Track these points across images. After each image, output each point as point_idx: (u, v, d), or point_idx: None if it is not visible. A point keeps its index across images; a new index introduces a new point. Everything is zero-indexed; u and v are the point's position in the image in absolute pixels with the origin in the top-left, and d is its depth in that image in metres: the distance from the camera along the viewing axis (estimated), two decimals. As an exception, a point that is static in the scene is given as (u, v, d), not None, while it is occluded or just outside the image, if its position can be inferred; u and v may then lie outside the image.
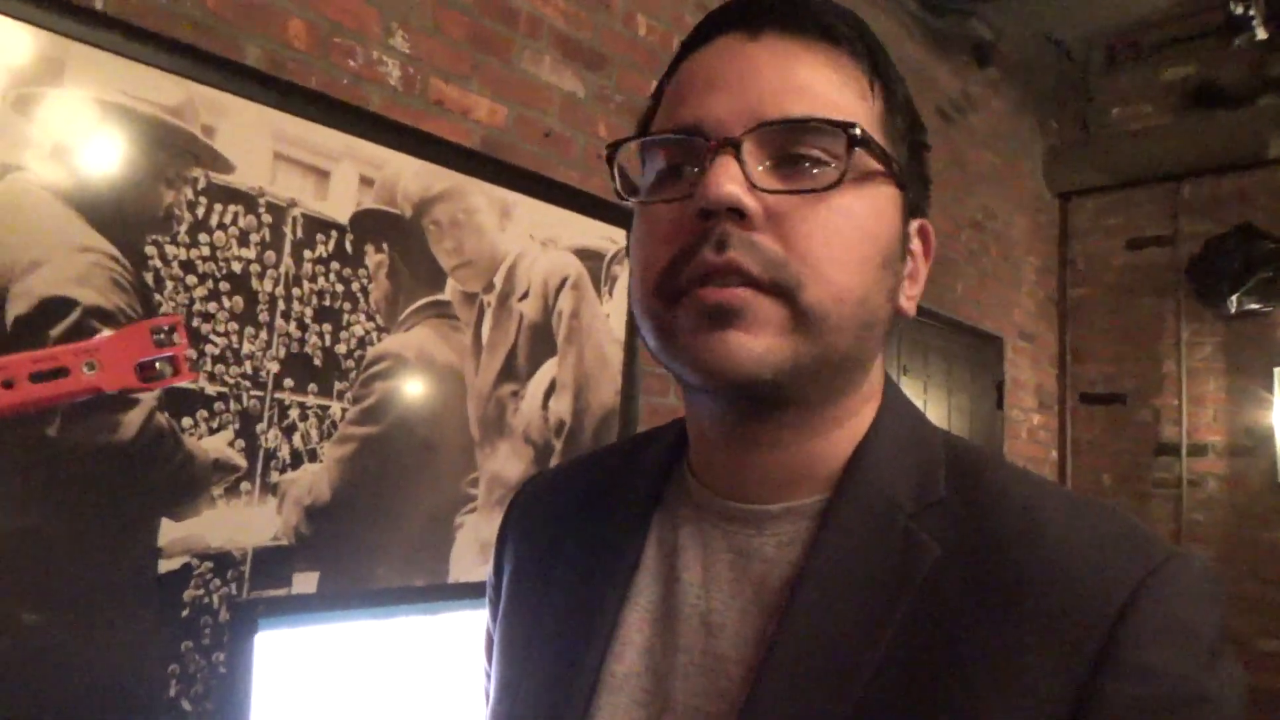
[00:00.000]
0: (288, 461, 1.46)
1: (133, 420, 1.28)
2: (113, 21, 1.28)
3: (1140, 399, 3.99)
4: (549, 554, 0.65)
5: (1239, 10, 3.26)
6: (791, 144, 0.50)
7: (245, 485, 1.41)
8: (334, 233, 1.54)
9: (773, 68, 0.51)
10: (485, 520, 1.75)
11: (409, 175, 1.65)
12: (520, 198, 1.85)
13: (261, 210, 1.44)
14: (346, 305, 1.55)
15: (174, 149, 1.34)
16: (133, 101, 1.30)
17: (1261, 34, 3.32)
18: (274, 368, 1.45)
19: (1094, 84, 4.09)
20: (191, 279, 1.35)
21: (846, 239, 0.50)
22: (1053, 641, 0.46)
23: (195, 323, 1.36)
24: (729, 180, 0.48)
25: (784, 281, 0.49)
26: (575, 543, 0.63)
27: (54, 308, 1.21)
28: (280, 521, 1.45)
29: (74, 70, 1.24)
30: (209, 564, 1.36)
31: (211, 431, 1.37)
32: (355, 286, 1.57)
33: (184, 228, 1.35)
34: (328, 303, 1.53)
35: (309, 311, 1.50)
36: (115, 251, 1.27)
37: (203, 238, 1.37)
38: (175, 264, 1.34)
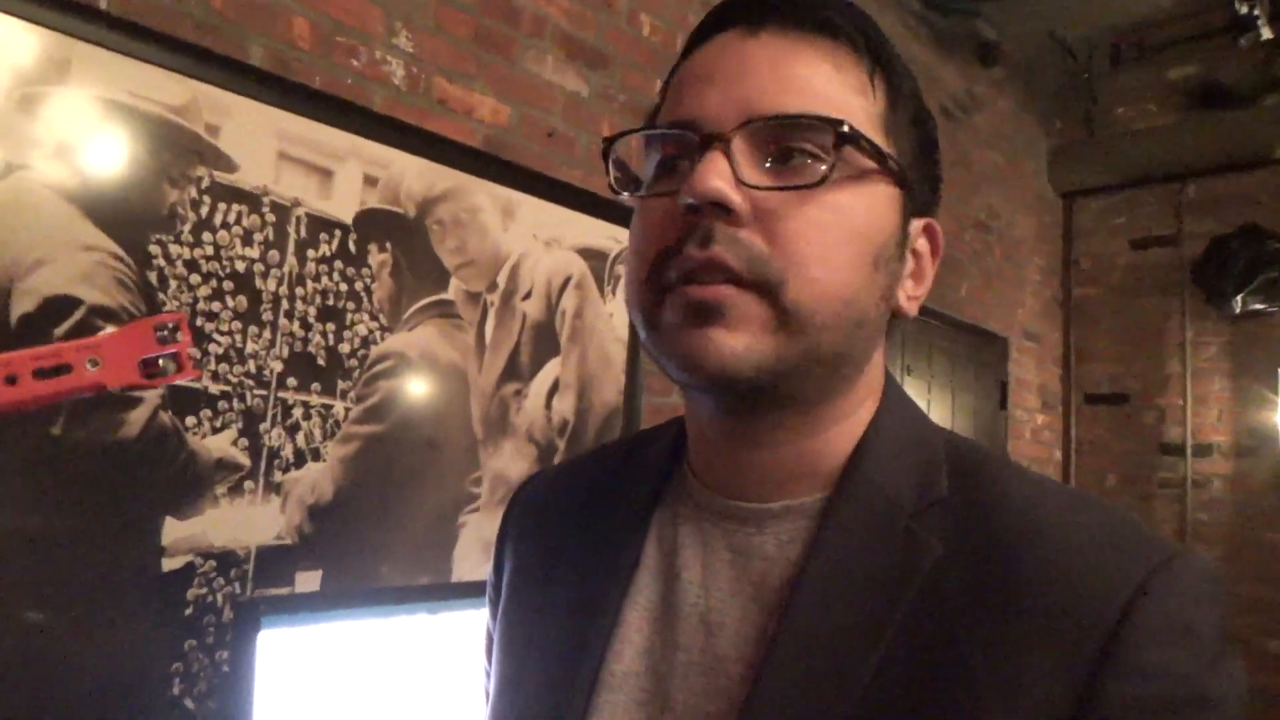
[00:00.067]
0: (291, 460, 1.47)
1: (136, 419, 1.28)
2: (117, 21, 1.28)
3: (1145, 399, 3.98)
4: (549, 553, 0.65)
5: (1244, 9, 3.25)
6: (783, 140, 0.50)
7: (249, 484, 1.41)
8: (337, 232, 1.54)
9: (769, 63, 0.51)
10: (488, 519, 1.75)
11: (412, 175, 1.66)
12: (523, 197, 1.85)
13: (265, 209, 1.44)
14: (350, 304, 1.55)
15: (178, 148, 1.34)
16: (137, 101, 1.30)
17: (1267, 33, 3.31)
18: (277, 367, 1.45)
19: (1098, 84, 4.08)
20: (195, 278, 1.36)
21: (835, 237, 0.50)
22: (1054, 641, 0.45)
23: (199, 322, 1.36)
24: (716, 176, 0.48)
25: (767, 278, 0.49)
26: (575, 541, 0.63)
27: (58, 306, 1.22)
28: (283, 520, 1.45)
29: (78, 69, 1.25)
30: (212, 563, 1.36)
31: (215, 430, 1.37)
32: (359, 286, 1.57)
33: (188, 227, 1.35)
34: (331, 302, 1.53)
35: (312, 311, 1.50)
36: (119, 250, 1.28)
37: (206, 237, 1.37)
38: (179, 263, 1.34)
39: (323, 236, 1.52)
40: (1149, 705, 0.44)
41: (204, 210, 1.37)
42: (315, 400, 1.50)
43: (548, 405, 1.88)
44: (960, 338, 3.45)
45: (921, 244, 0.57)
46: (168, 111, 1.33)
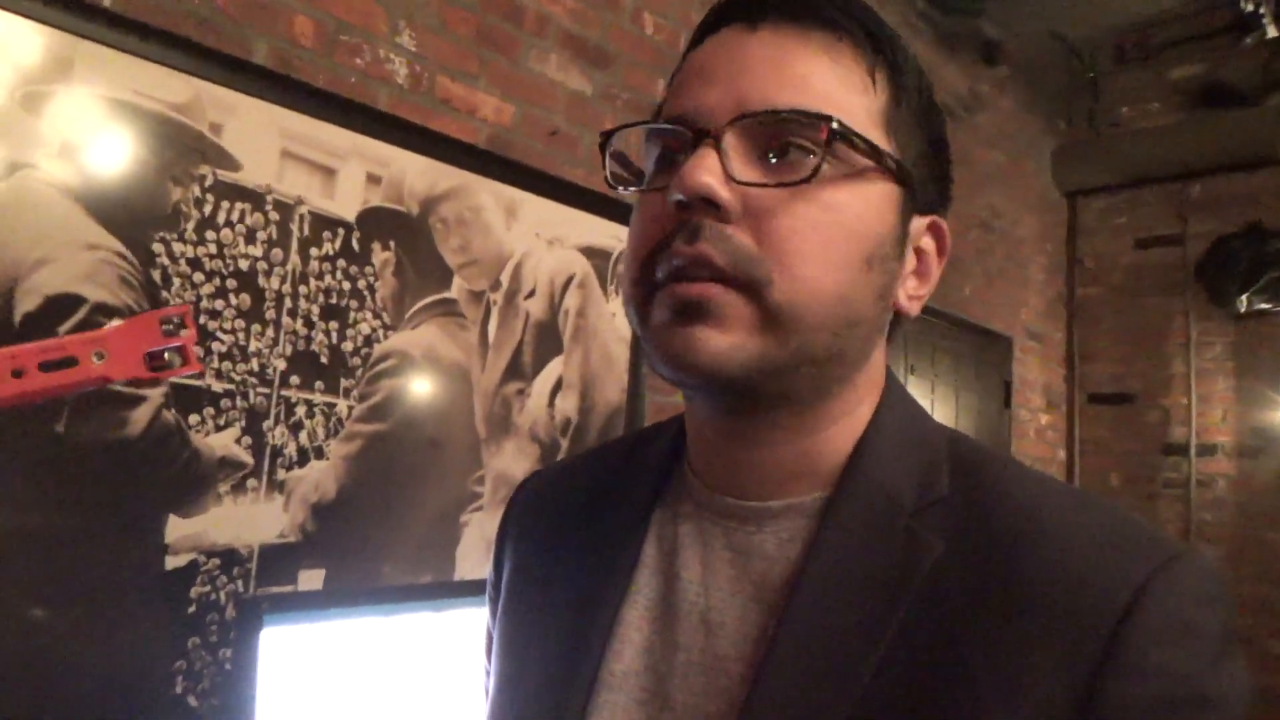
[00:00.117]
0: (294, 459, 1.47)
1: (139, 417, 1.28)
2: (121, 19, 1.28)
3: (1149, 399, 3.98)
4: (549, 551, 0.64)
5: (1249, 8, 3.24)
6: (776, 136, 0.50)
7: (252, 482, 1.41)
8: (341, 230, 1.54)
9: (765, 59, 0.51)
10: (491, 518, 1.75)
11: (415, 173, 1.66)
12: (527, 196, 1.85)
13: (268, 208, 1.44)
14: (353, 303, 1.56)
15: (181, 146, 1.34)
16: (140, 99, 1.30)
17: (1272, 32, 3.30)
18: (281, 365, 1.45)
19: (1102, 83, 4.07)
20: (198, 276, 1.36)
21: (825, 235, 0.49)
22: (1056, 640, 0.45)
23: (202, 320, 1.36)
24: (705, 172, 0.48)
25: (753, 277, 0.48)
26: (575, 540, 0.63)
27: (62, 304, 1.22)
28: (286, 519, 1.45)
29: (82, 68, 1.25)
30: (215, 561, 1.36)
31: (218, 429, 1.38)
32: (362, 284, 1.57)
33: (191, 225, 1.35)
34: (334, 300, 1.53)
35: (316, 309, 1.50)
36: (123, 249, 1.28)
37: (210, 235, 1.37)
38: (182, 261, 1.34)
39: (326, 235, 1.52)
40: (1151, 705, 0.44)
41: (207, 208, 1.37)
42: (318, 399, 1.50)
43: (551, 404, 1.88)
44: (964, 337, 3.44)
45: (926, 242, 0.56)
46: (171, 110, 1.33)
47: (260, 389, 1.43)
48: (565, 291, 1.92)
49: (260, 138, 1.43)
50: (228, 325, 1.39)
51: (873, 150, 0.50)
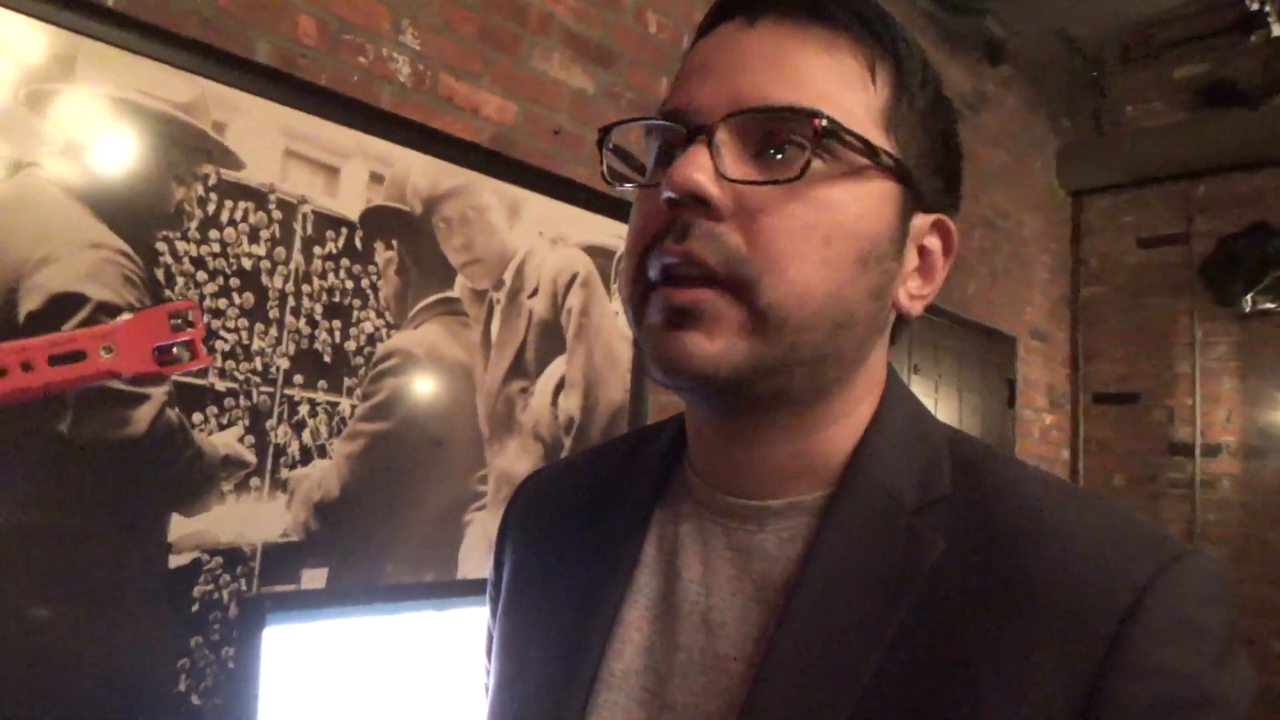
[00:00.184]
0: (297, 458, 1.47)
1: (143, 416, 1.29)
2: (124, 18, 1.28)
3: (1153, 399, 3.97)
4: (550, 551, 0.64)
5: (1254, 7, 3.23)
6: (770, 133, 0.49)
7: (255, 481, 1.42)
8: (344, 229, 1.54)
9: (761, 55, 0.50)
10: (494, 517, 1.75)
11: (418, 172, 1.66)
12: (530, 195, 1.85)
13: (272, 207, 1.44)
14: (356, 302, 1.56)
15: (185, 145, 1.34)
16: (144, 98, 1.30)
17: (1277, 31, 3.29)
18: (284, 364, 1.46)
19: (1107, 82, 4.06)
20: (202, 275, 1.36)
21: (817, 234, 0.49)
22: (1059, 640, 0.45)
23: (205, 319, 1.36)
24: (695, 169, 0.47)
25: (742, 277, 0.48)
26: (576, 539, 0.62)
27: (65, 303, 1.22)
28: (289, 517, 1.46)
29: (86, 67, 1.25)
30: (219, 559, 1.36)
31: (221, 427, 1.38)
32: (365, 283, 1.57)
33: (194, 224, 1.35)
34: (337, 299, 1.53)
35: (319, 308, 1.50)
36: (126, 247, 1.28)
37: (213, 234, 1.37)
38: (186, 260, 1.34)
39: (329, 234, 1.52)
40: (1153, 705, 0.44)
41: (210, 207, 1.37)
42: (321, 397, 1.50)
43: (553, 403, 1.88)
44: (968, 336, 3.44)
45: (931, 240, 0.55)
46: (174, 109, 1.33)
47: (263, 388, 1.43)
48: (568, 290, 1.92)
49: (263, 136, 1.43)
50: (231, 324, 1.39)
51: (868, 147, 0.50)
